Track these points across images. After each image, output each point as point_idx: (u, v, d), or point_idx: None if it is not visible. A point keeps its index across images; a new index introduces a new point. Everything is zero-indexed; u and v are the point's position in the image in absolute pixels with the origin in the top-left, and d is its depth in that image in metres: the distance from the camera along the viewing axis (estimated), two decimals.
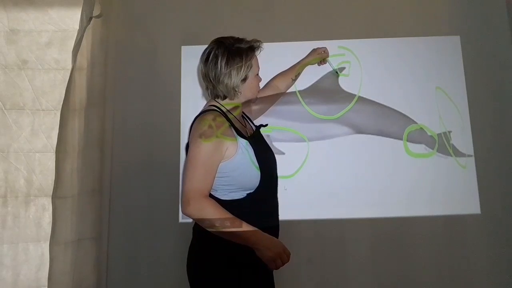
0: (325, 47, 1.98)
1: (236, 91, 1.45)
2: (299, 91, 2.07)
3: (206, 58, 1.46)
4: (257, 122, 1.71)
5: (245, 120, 1.59)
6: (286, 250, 1.34)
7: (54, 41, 2.05)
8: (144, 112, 2.11)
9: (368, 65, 2.09)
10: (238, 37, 1.48)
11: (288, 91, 1.97)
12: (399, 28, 2.11)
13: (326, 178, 2.02)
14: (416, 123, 2.05)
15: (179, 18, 2.16)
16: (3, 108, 2.01)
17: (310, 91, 2.08)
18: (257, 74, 1.53)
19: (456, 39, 2.08)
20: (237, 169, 1.37)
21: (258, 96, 1.61)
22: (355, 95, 2.08)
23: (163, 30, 2.16)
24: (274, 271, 1.46)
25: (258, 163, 1.39)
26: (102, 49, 2.05)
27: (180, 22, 2.16)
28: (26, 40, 2.04)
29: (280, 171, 1.56)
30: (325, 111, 2.07)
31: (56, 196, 1.79)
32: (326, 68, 2.06)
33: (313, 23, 2.13)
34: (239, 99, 1.49)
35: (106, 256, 2.00)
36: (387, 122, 2.05)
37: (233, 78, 1.43)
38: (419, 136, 2.04)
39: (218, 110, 1.46)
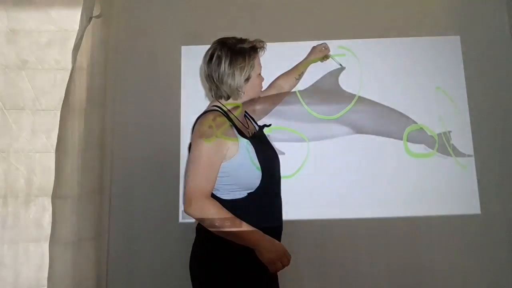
0: (325, 43, 1.97)
1: (239, 91, 1.46)
2: (299, 91, 2.07)
3: (209, 59, 1.46)
4: (261, 122, 1.70)
5: (247, 120, 1.59)
6: (287, 253, 1.34)
7: (54, 41, 2.05)
8: (144, 112, 2.11)
9: (368, 65, 2.08)
10: (240, 38, 1.49)
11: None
12: (399, 28, 2.10)
13: (326, 178, 2.02)
14: (416, 123, 2.04)
15: (179, 18, 2.16)
16: (3, 108, 2.01)
17: (310, 91, 2.08)
18: (259, 74, 1.53)
19: (456, 39, 2.08)
20: (238, 169, 1.38)
21: (262, 96, 1.61)
22: (355, 95, 2.07)
23: (163, 30, 2.15)
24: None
25: (259, 163, 1.39)
26: (102, 49, 2.05)
27: (180, 22, 2.16)
28: (26, 40, 2.04)
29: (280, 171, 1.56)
30: (325, 111, 2.07)
31: (56, 196, 1.79)
32: (326, 67, 2.06)
33: (313, 23, 2.13)
34: (243, 99, 1.50)
35: (106, 256, 2.00)
36: (387, 122, 2.05)
37: (237, 78, 1.43)
38: (419, 136, 2.04)
39: (220, 110, 1.46)
